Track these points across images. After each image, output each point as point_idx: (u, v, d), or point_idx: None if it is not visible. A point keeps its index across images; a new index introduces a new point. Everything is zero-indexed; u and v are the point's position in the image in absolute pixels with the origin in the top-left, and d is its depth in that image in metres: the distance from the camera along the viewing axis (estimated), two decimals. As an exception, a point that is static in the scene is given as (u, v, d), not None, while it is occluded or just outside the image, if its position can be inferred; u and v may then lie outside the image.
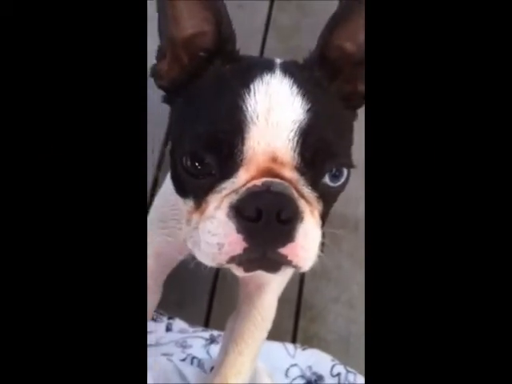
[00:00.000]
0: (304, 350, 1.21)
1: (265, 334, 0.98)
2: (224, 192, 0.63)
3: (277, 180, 0.62)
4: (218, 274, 1.45)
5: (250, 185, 0.62)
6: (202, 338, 1.20)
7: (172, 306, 1.32)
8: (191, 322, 1.30)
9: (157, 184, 1.52)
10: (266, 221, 0.60)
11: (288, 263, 0.63)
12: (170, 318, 1.26)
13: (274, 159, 0.63)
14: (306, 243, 0.63)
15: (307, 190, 0.64)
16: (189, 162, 0.64)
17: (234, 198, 0.62)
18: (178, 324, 1.25)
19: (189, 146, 0.65)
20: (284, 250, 0.62)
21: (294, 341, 1.38)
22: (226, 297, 1.42)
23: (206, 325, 1.38)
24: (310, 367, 1.16)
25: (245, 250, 0.61)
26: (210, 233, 0.63)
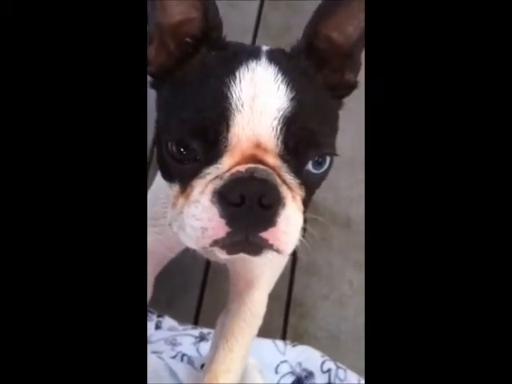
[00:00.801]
0: (294, 346, 1.21)
1: (255, 331, 0.98)
2: (208, 177, 0.64)
3: (260, 166, 0.64)
4: (207, 272, 1.45)
5: (233, 170, 0.63)
6: (191, 335, 1.20)
7: (161, 304, 1.32)
8: (181, 319, 1.30)
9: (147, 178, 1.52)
10: (248, 206, 0.62)
11: (269, 247, 0.65)
12: (159, 316, 1.26)
13: (258, 146, 0.64)
14: (287, 228, 0.64)
15: (289, 177, 0.66)
16: (174, 148, 0.65)
17: (218, 183, 0.63)
18: (168, 322, 1.25)
19: (175, 133, 0.66)
20: (265, 234, 0.63)
21: (283, 337, 1.39)
22: (215, 295, 1.43)
23: (196, 323, 1.38)
24: (299, 363, 1.16)
25: (227, 233, 0.63)
26: (195, 217, 0.64)
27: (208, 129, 0.63)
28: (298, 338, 1.39)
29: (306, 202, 0.70)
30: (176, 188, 0.68)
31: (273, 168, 0.64)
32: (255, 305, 0.96)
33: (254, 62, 0.66)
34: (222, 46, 0.71)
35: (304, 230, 0.69)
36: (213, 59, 0.69)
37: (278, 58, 0.68)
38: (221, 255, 0.67)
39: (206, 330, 1.22)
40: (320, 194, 0.76)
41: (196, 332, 1.21)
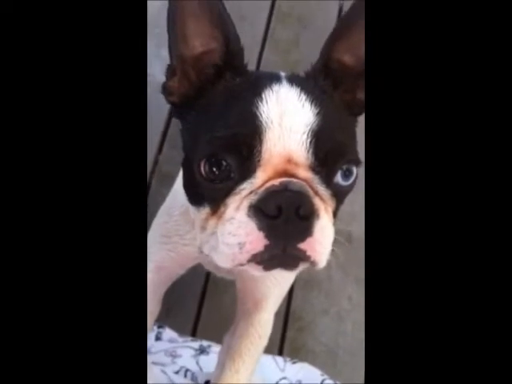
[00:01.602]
0: (294, 363, 1.21)
1: (261, 351, 0.99)
2: (243, 193, 0.65)
3: (293, 179, 0.65)
4: (207, 281, 1.45)
5: (268, 185, 0.65)
6: (191, 348, 1.20)
7: (160, 312, 1.31)
8: (179, 328, 1.30)
9: (149, 189, 1.53)
10: (286, 217, 0.63)
11: (306, 258, 0.65)
12: (159, 327, 1.26)
13: (289, 160, 0.66)
14: (323, 238, 0.65)
15: (321, 189, 0.67)
16: (207, 168, 0.67)
17: (254, 198, 0.64)
18: (168, 333, 1.25)
19: (207, 149, 0.67)
20: (303, 245, 0.64)
21: (281, 351, 1.38)
22: (214, 304, 1.42)
23: (194, 332, 1.37)
24: (299, 381, 1.16)
25: (266, 247, 0.63)
26: (231, 234, 0.64)
27: (242, 143, 0.65)
28: (296, 352, 1.39)
29: (335, 214, 0.72)
30: (206, 210, 0.69)
31: (305, 180, 0.66)
32: (263, 326, 0.97)
33: (277, 84, 0.69)
34: (245, 72, 0.73)
35: (335, 240, 0.69)
36: (238, 84, 0.71)
37: (297, 80, 0.71)
38: (256, 272, 0.68)
39: (205, 343, 1.22)
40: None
41: (196, 344, 1.21)
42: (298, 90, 0.69)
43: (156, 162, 1.58)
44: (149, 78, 1.62)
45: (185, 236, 0.87)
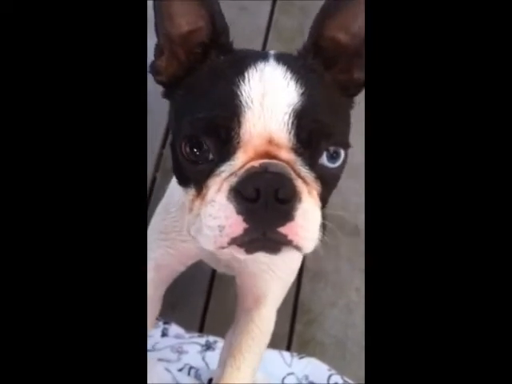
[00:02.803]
0: (300, 358, 1.20)
1: (263, 348, 0.97)
2: (223, 175, 0.65)
3: (274, 161, 0.64)
4: (213, 276, 1.44)
5: (247, 166, 0.63)
6: (197, 343, 1.20)
7: (166, 308, 1.31)
8: (186, 324, 1.30)
9: (154, 184, 1.52)
10: (264, 200, 0.61)
11: (288, 243, 0.64)
12: (165, 323, 1.25)
13: (271, 141, 0.64)
14: (306, 223, 0.64)
15: (304, 171, 0.66)
16: (188, 149, 0.66)
17: (233, 180, 0.63)
18: (174, 329, 1.25)
19: (187, 130, 0.66)
20: (284, 230, 0.63)
21: (289, 344, 1.38)
22: (221, 299, 1.42)
23: (201, 327, 1.37)
24: (306, 376, 1.15)
25: (245, 230, 0.62)
26: (211, 216, 0.64)
27: (220, 126, 0.64)
28: (305, 345, 1.38)
29: (324, 198, 0.70)
30: (192, 192, 0.69)
31: (287, 162, 0.64)
32: (263, 322, 0.95)
33: (263, 63, 0.67)
34: (230, 50, 0.72)
35: (323, 226, 0.68)
36: (222, 63, 0.70)
37: (285, 58, 0.69)
38: (239, 255, 0.67)
39: (212, 339, 1.22)
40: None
41: (202, 340, 1.21)
42: (284, 68, 0.67)
43: (160, 157, 1.57)
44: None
45: (183, 232, 0.86)
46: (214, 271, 1.43)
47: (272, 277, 0.90)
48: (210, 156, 0.66)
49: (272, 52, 0.72)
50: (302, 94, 0.65)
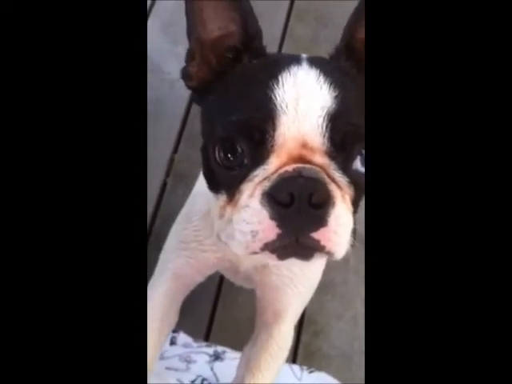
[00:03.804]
0: (310, 372, 1.20)
1: (281, 364, 0.96)
2: (256, 179, 0.64)
3: (308, 165, 0.63)
4: (221, 283, 1.43)
5: (281, 171, 0.63)
6: (206, 353, 1.19)
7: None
8: (192, 331, 1.29)
9: (165, 189, 1.52)
10: (298, 205, 0.61)
11: (321, 249, 0.63)
12: (174, 332, 1.24)
13: (304, 145, 0.64)
14: (339, 228, 0.63)
15: (338, 175, 0.65)
16: (221, 154, 0.66)
17: (267, 184, 0.63)
18: (182, 338, 1.24)
19: (220, 133, 0.66)
20: (317, 235, 0.62)
21: (295, 355, 1.36)
22: (228, 307, 1.41)
23: (207, 335, 1.36)
24: (317, 391, 1.14)
25: (278, 236, 0.62)
26: (245, 221, 0.64)
27: (254, 127, 0.64)
28: (311, 356, 1.37)
29: (356, 203, 0.69)
30: (223, 197, 0.68)
31: (320, 166, 0.64)
32: (282, 338, 0.95)
33: (296, 66, 0.67)
34: (263, 54, 0.71)
35: (354, 231, 0.67)
36: (255, 67, 0.70)
37: (318, 62, 0.69)
38: (271, 261, 0.67)
39: (220, 349, 1.21)
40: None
41: (210, 350, 1.20)
42: (318, 71, 0.66)
43: (172, 161, 1.56)
44: (164, 76, 1.64)
45: (204, 242, 0.86)
46: (221, 279, 1.43)
47: (294, 291, 0.90)
48: (244, 161, 0.65)
49: (304, 56, 0.71)
50: (336, 97, 0.65)
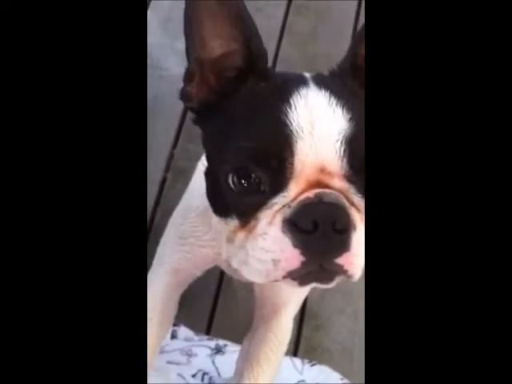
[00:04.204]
0: (312, 366, 1.20)
1: (281, 358, 0.96)
2: (275, 207, 0.63)
3: (328, 190, 0.62)
4: (221, 277, 1.43)
5: (302, 197, 0.62)
6: (207, 347, 1.19)
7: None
8: (193, 325, 1.29)
9: (164, 185, 1.52)
10: (322, 231, 0.60)
11: (343, 272, 0.63)
12: (174, 325, 1.24)
13: (323, 170, 0.63)
14: (360, 251, 0.63)
15: (357, 199, 0.64)
16: (235, 179, 0.64)
17: (287, 211, 0.61)
18: (183, 331, 1.24)
19: (234, 162, 0.64)
20: (340, 260, 0.61)
21: (296, 350, 1.37)
22: (229, 301, 1.41)
23: (208, 329, 1.36)
24: (318, 384, 1.14)
25: (302, 263, 0.61)
26: (264, 249, 0.62)
27: (272, 155, 0.62)
28: (312, 351, 1.37)
29: None
30: (234, 223, 0.66)
31: (340, 191, 0.63)
32: (281, 332, 0.95)
33: (304, 88, 0.66)
34: (270, 75, 0.69)
35: None
36: (263, 89, 0.68)
37: (324, 82, 0.68)
38: (291, 286, 0.65)
39: (221, 342, 1.21)
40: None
41: (212, 344, 1.20)
42: (327, 93, 0.65)
43: (171, 157, 1.56)
44: (163, 72, 1.63)
45: (202, 237, 0.86)
46: (222, 274, 1.43)
47: (293, 288, 0.88)
48: (261, 188, 0.64)
49: (308, 75, 0.70)
50: (350, 119, 0.63)
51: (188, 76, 0.70)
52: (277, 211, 0.62)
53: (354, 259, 0.62)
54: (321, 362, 1.27)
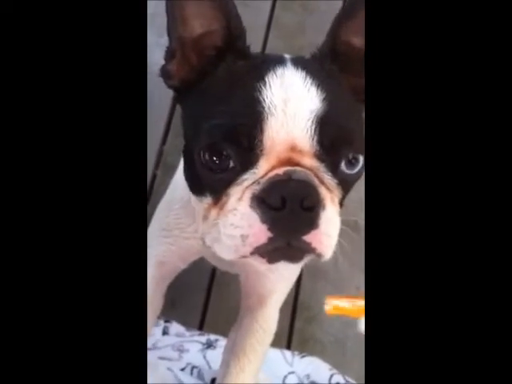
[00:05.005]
0: (302, 357, 1.20)
1: (267, 348, 0.97)
2: (245, 183, 0.63)
3: (298, 168, 0.63)
4: (213, 273, 1.44)
5: (271, 174, 0.62)
6: (198, 342, 1.20)
7: (166, 305, 1.30)
8: (185, 321, 1.30)
9: (155, 181, 1.52)
10: (290, 208, 0.60)
11: (312, 251, 0.63)
12: (166, 321, 1.25)
13: (294, 148, 0.63)
14: (329, 230, 0.63)
15: (327, 177, 0.65)
16: (207, 157, 0.64)
17: (256, 188, 0.62)
18: (175, 327, 1.25)
19: (206, 139, 0.65)
20: (308, 238, 0.62)
21: (289, 342, 1.37)
22: (221, 296, 1.42)
23: (201, 324, 1.37)
24: (307, 376, 1.15)
25: (269, 239, 0.61)
26: (233, 225, 0.63)
27: (242, 133, 0.62)
28: (304, 343, 1.38)
29: (342, 204, 0.69)
30: (207, 200, 0.67)
31: (310, 169, 0.63)
32: (267, 322, 0.95)
33: (281, 67, 0.66)
34: (247, 55, 0.70)
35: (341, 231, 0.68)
36: (240, 68, 0.68)
37: (302, 63, 0.68)
38: (261, 264, 0.66)
39: (213, 337, 1.22)
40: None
41: (203, 339, 1.21)
42: (304, 73, 0.66)
43: (161, 153, 1.56)
44: (150, 67, 1.62)
45: (186, 229, 0.86)
46: (214, 268, 1.43)
47: (277, 276, 0.90)
48: (231, 164, 0.64)
49: (287, 56, 0.70)
50: (324, 99, 0.64)
51: (169, 54, 0.71)
52: (246, 187, 0.63)
53: (323, 237, 0.63)
54: (314, 353, 1.28)
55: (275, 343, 1.20)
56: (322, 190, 0.63)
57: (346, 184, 0.68)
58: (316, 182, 0.63)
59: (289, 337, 1.39)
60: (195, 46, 0.70)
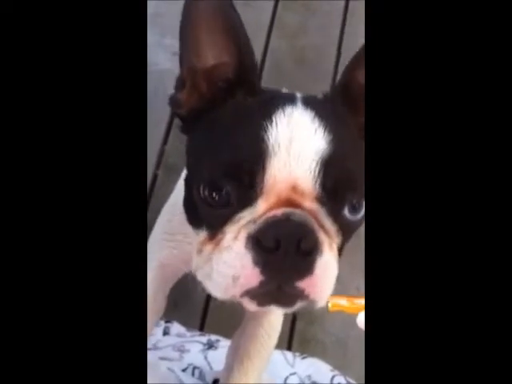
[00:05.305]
0: (303, 358, 1.20)
1: (271, 352, 0.96)
2: (242, 222, 0.61)
3: (297, 210, 0.60)
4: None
5: (269, 214, 0.60)
6: (199, 342, 1.19)
7: (167, 306, 1.30)
8: (186, 321, 1.30)
9: (155, 181, 1.52)
10: (284, 251, 0.58)
11: (304, 297, 0.61)
12: (167, 322, 1.25)
13: (295, 189, 0.61)
14: (325, 277, 0.61)
15: (327, 222, 0.63)
16: (206, 192, 0.63)
17: (252, 227, 0.60)
18: (176, 328, 1.24)
19: (207, 175, 0.63)
20: (301, 284, 0.59)
21: (290, 343, 1.37)
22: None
23: (202, 325, 1.37)
24: (309, 376, 1.15)
25: (260, 283, 0.59)
26: (226, 263, 0.61)
27: (243, 170, 0.61)
28: (306, 344, 1.38)
29: (341, 251, 0.67)
30: (204, 234, 0.66)
31: (310, 212, 0.61)
32: (272, 326, 0.94)
33: (291, 106, 0.65)
34: (258, 91, 0.69)
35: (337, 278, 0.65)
36: (249, 104, 0.67)
37: (313, 103, 0.67)
38: (250, 307, 0.63)
39: (213, 337, 1.21)
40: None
41: (204, 339, 1.20)
42: (313, 113, 0.65)
43: (162, 154, 1.56)
44: (152, 68, 1.63)
45: (190, 234, 0.86)
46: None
47: None
48: (230, 201, 0.62)
49: (299, 95, 0.69)
50: (330, 141, 0.62)
51: (179, 83, 0.70)
52: (243, 226, 0.61)
53: (318, 284, 0.60)
54: (315, 354, 1.28)
55: (276, 344, 1.20)
56: (321, 235, 0.60)
57: (347, 230, 0.66)
58: (315, 225, 0.60)
59: (290, 338, 1.39)
60: (207, 76, 0.69)
